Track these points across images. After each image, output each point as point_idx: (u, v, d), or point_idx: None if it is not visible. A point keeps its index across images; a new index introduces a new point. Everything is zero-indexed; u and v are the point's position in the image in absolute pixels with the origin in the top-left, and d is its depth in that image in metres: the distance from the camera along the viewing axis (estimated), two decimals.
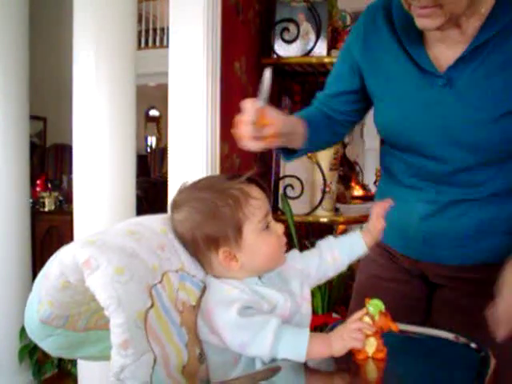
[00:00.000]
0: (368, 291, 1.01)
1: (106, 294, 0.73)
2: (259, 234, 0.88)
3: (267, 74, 0.91)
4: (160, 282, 0.81)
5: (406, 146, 1.09)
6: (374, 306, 0.81)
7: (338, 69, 1.22)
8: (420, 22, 0.96)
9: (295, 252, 1.00)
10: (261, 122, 0.90)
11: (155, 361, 0.76)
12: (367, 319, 0.80)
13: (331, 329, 0.93)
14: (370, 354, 0.80)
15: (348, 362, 0.80)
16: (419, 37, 1.04)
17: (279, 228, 0.92)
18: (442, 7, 0.92)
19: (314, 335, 0.79)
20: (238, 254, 0.88)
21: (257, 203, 0.88)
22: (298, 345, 0.78)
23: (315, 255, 0.99)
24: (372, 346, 0.80)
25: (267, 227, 0.90)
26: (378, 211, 0.98)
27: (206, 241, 0.87)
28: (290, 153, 1.17)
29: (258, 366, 0.81)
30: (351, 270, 1.57)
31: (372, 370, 0.81)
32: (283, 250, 0.93)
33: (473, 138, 1.00)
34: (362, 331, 0.79)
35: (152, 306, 0.77)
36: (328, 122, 1.21)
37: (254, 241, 0.88)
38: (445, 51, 1.02)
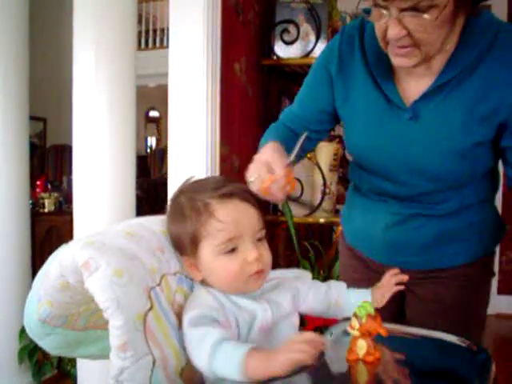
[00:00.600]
0: None
1: (104, 295, 0.73)
2: (217, 257, 0.83)
3: (303, 136, 1.01)
4: (159, 285, 0.80)
5: (372, 170, 1.15)
6: (362, 308, 0.79)
7: (315, 87, 1.19)
8: (396, 61, 0.98)
9: (307, 274, 0.98)
10: (287, 181, 0.95)
11: (154, 363, 0.76)
12: (354, 321, 0.79)
13: (331, 332, 0.93)
14: (360, 357, 0.78)
15: (340, 364, 0.79)
16: (389, 69, 1.06)
17: (252, 254, 0.82)
18: (419, 47, 0.94)
19: (258, 350, 0.72)
20: (200, 266, 0.85)
21: (218, 225, 0.81)
22: (233, 359, 0.71)
23: (323, 288, 0.97)
24: (362, 348, 0.78)
25: (232, 250, 0.82)
26: (391, 282, 0.97)
27: (173, 244, 0.87)
28: None
29: None
30: None
31: (363, 374, 0.78)
32: (252, 277, 0.83)
33: (435, 169, 1.06)
34: (313, 343, 0.72)
35: (151, 308, 0.77)
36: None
37: (210, 262, 0.83)
38: (412, 84, 1.05)
